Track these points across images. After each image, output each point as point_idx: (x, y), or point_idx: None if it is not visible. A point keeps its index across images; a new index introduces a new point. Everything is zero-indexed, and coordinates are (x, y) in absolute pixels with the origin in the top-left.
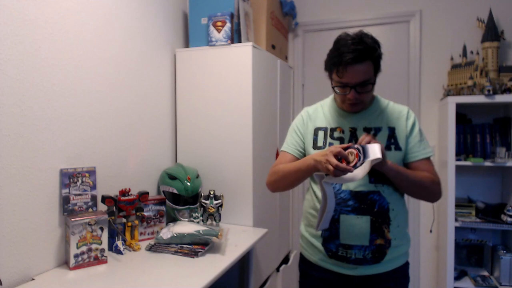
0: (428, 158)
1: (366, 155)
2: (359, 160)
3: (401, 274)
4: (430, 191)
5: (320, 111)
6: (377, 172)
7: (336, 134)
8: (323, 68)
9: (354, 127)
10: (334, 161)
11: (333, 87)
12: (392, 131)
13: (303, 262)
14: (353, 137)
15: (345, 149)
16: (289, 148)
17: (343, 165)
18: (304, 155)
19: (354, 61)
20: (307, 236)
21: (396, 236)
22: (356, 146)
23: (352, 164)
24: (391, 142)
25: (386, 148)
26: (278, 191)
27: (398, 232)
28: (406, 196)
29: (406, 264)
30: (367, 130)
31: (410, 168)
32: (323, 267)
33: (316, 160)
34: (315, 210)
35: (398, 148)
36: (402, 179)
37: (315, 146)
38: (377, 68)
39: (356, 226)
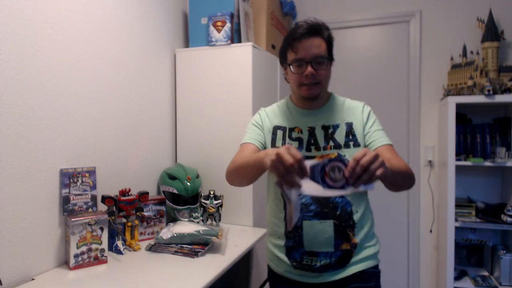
0: (390, 145)
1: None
2: (348, 183)
3: (370, 277)
4: (411, 178)
5: (277, 110)
6: None
7: (294, 134)
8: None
9: (312, 126)
10: (289, 159)
11: (289, 65)
12: (349, 127)
13: (270, 274)
14: (312, 137)
15: (330, 160)
16: (251, 139)
17: (294, 174)
18: (264, 148)
19: (307, 34)
20: (270, 247)
21: (362, 239)
22: (347, 162)
23: (338, 184)
24: (349, 138)
25: (344, 146)
26: (235, 185)
27: (364, 235)
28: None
29: (375, 268)
30: (325, 128)
31: None
32: (289, 278)
33: (268, 153)
34: (278, 219)
35: (357, 144)
36: (394, 176)
37: (273, 146)
38: (330, 50)
39: (320, 232)
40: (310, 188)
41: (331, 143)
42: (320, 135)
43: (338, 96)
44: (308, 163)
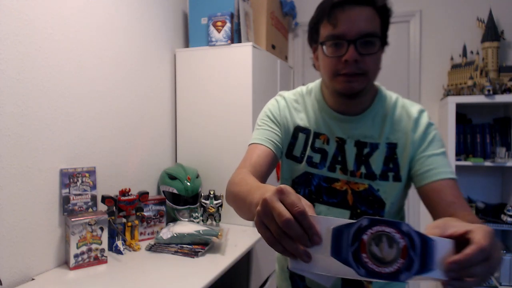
0: (453, 180)
1: (431, 262)
2: (411, 266)
3: None
4: None
5: (302, 101)
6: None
7: (317, 144)
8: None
9: (342, 138)
10: (283, 211)
11: (321, 44)
12: (391, 150)
13: None
14: (340, 152)
15: (372, 222)
16: (263, 139)
17: (294, 238)
18: (281, 153)
19: (352, 0)
20: (277, 262)
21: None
22: (405, 227)
23: (386, 268)
24: (389, 167)
25: (380, 177)
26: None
27: (387, 284)
28: (407, 201)
29: None
30: (359, 145)
31: (427, 191)
32: None
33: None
34: None
35: (397, 178)
36: None
37: (289, 154)
38: (384, 28)
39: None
40: (331, 267)
41: (363, 170)
42: (351, 153)
43: (388, 93)
44: (327, 222)
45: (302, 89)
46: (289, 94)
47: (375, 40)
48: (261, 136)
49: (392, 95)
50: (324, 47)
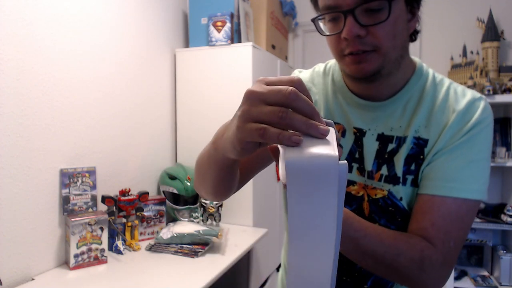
0: (463, 202)
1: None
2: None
3: None
4: (392, 271)
5: (318, 85)
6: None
7: None
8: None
9: (361, 129)
10: (287, 86)
11: (318, 19)
12: (419, 148)
13: None
14: (358, 148)
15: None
16: None
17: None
18: None
19: None
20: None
21: None
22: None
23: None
24: (409, 169)
25: (404, 181)
26: (201, 195)
27: None
28: None
29: None
30: (383, 139)
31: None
32: None
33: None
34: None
35: (415, 183)
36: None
37: None
38: None
39: None
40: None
41: (384, 171)
42: (370, 148)
43: (431, 73)
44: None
45: (320, 67)
46: (305, 74)
47: (382, 3)
48: None
49: (437, 76)
50: (320, 23)
